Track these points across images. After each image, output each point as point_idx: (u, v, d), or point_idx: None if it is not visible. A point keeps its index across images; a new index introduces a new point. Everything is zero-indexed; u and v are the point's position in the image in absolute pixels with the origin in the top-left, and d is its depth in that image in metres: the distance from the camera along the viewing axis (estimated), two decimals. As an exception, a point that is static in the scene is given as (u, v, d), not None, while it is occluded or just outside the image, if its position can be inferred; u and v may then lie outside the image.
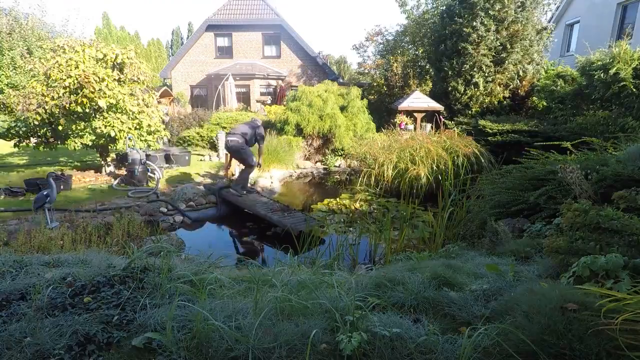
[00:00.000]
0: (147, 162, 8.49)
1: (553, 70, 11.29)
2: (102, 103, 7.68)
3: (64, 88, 7.49)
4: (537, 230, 3.37)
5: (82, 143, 8.31)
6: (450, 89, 12.01)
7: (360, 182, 8.37)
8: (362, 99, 12.70)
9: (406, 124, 12.00)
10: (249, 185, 8.14)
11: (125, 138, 8.22)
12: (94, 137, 8.21)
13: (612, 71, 8.00)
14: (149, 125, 8.75)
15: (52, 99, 7.52)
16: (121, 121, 8.21)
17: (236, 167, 9.44)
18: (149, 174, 8.45)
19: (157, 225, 6.27)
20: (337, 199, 8.03)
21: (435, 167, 7.96)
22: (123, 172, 8.98)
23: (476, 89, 11.61)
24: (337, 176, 10.99)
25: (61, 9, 40.79)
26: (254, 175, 9.27)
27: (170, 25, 69.03)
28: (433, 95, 12.81)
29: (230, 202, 7.65)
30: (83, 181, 8.42)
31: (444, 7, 12.80)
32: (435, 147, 8.41)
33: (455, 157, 8.26)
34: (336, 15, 78.80)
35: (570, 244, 2.20)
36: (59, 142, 8.57)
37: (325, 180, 10.71)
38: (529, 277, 2.14)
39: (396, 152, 8.37)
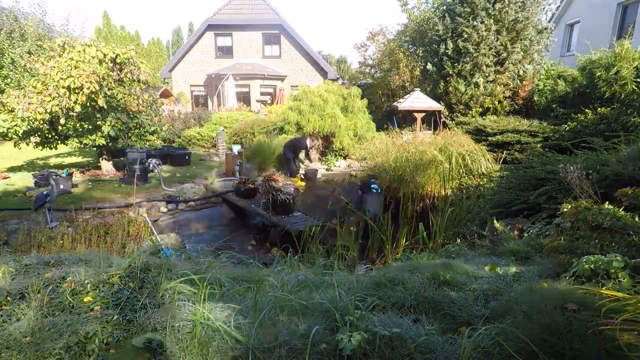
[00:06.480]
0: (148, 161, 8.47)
1: (553, 70, 11.26)
2: (102, 102, 7.68)
3: (64, 87, 7.49)
4: (537, 230, 3.37)
5: (82, 143, 8.29)
6: (450, 88, 11.99)
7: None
8: (362, 98, 12.68)
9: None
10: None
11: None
12: (94, 137, 8.20)
13: (613, 70, 7.98)
14: (150, 125, 8.74)
15: (53, 98, 7.51)
16: (122, 121, 8.20)
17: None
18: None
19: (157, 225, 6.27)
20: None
21: (430, 170, 7.89)
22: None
23: (477, 89, 11.59)
24: (337, 178, 10.92)
25: (61, 9, 40.90)
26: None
27: (170, 25, 68.85)
28: (433, 95, 12.77)
29: (230, 202, 7.65)
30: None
31: (445, 6, 12.77)
32: (429, 148, 8.35)
33: (450, 156, 8.20)
34: (336, 15, 78.76)
35: (570, 244, 2.20)
36: (59, 142, 8.56)
37: (325, 180, 10.66)
38: (529, 277, 2.13)
39: (393, 157, 8.32)
